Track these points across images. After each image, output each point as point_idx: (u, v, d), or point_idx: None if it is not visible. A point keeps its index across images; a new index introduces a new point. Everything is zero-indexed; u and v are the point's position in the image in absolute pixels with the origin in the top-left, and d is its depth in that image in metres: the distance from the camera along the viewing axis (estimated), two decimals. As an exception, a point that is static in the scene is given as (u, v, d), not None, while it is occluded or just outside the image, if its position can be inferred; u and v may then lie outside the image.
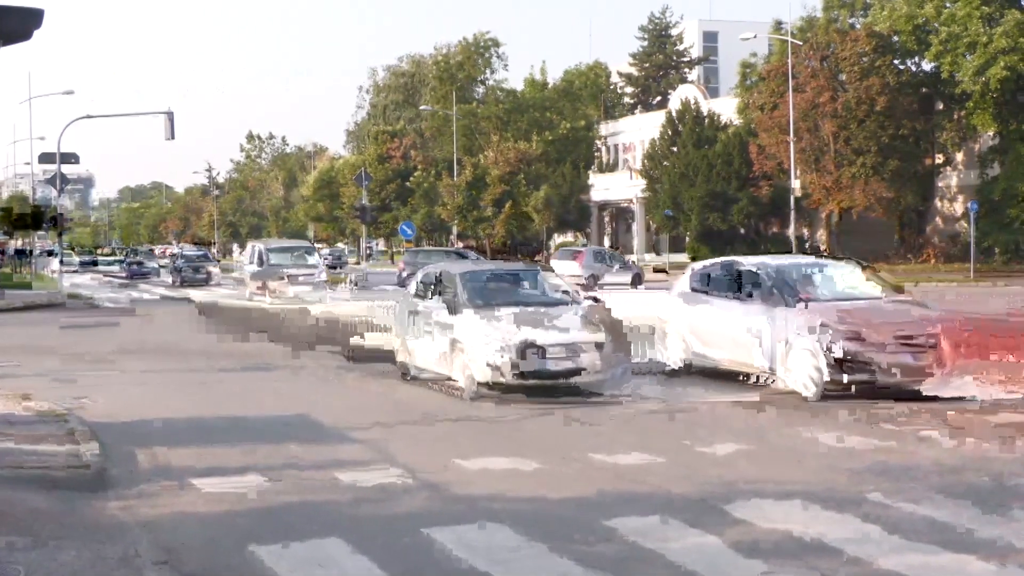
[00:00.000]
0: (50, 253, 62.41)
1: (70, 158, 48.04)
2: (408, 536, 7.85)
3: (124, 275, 64.90)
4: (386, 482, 9.61)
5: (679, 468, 9.93)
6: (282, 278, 35.00)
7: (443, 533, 7.82)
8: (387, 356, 17.42)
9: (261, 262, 36.94)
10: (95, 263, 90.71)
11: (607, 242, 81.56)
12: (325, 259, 63.99)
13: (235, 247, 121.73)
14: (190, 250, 69.87)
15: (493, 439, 11.75)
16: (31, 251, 63.85)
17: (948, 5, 52.05)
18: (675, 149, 64.39)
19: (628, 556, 7.29)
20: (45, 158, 50.10)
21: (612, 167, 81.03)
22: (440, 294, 15.48)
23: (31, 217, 52.76)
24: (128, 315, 32.99)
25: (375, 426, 12.53)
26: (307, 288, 33.04)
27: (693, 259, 62.26)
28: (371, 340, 18.33)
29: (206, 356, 20.56)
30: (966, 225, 51.09)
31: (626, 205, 76.59)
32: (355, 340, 18.92)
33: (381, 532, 8.02)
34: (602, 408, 13.48)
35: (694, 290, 16.38)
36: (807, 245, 60.36)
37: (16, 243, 72.92)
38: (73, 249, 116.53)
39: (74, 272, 71.17)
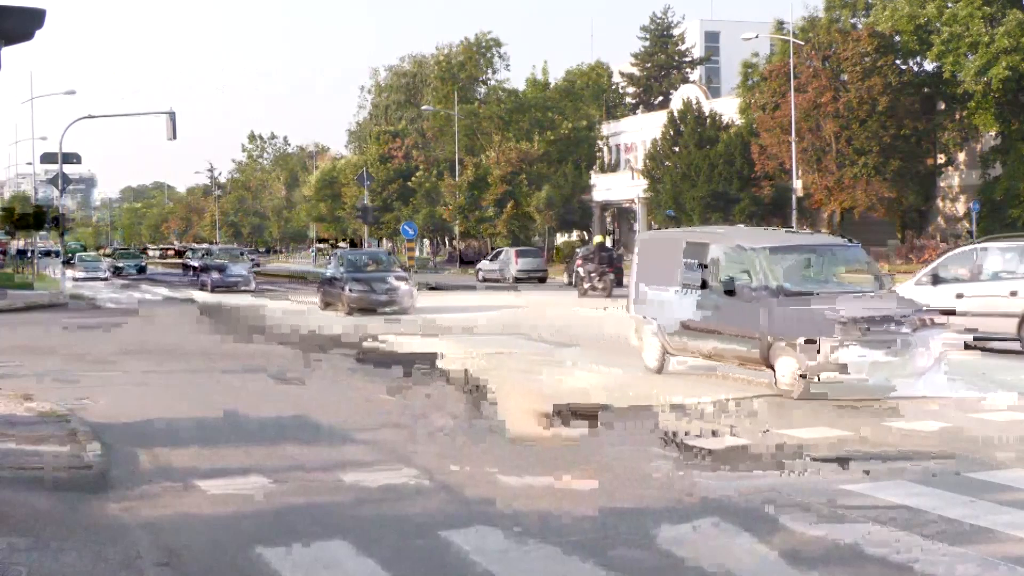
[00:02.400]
0: (57, 254, 58.67)
1: (72, 158, 48.13)
2: (421, 539, 7.78)
3: (199, 286, 47.68)
4: (398, 483, 9.46)
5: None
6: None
7: (458, 536, 7.74)
8: (401, 359, 17.48)
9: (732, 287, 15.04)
10: (142, 269, 72.27)
11: (608, 242, 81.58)
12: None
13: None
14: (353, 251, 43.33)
15: (514, 444, 11.43)
16: (33, 251, 63.79)
17: (950, 5, 52.02)
18: (677, 149, 64.36)
19: (662, 565, 7.20)
20: (47, 158, 50.18)
21: (614, 167, 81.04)
22: None
23: (33, 217, 52.88)
24: (130, 315, 32.97)
25: (385, 427, 12.31)
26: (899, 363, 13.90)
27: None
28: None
29: (209, 357, 20.55)
30: (968, 225, 51.08)
31: (628, 205, 76.57)
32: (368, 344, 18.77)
33: (391, 534, 7.95)
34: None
35: None
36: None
37: (19, 243, 72.72)
38: (114, 252, 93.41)
39: (101, 281, 59.18)
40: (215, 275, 45.51)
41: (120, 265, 71.34)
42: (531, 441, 11.40)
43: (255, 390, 15.93)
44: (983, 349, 18.75)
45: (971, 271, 19.81)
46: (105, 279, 61.09)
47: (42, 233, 60.95)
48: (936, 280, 20.01)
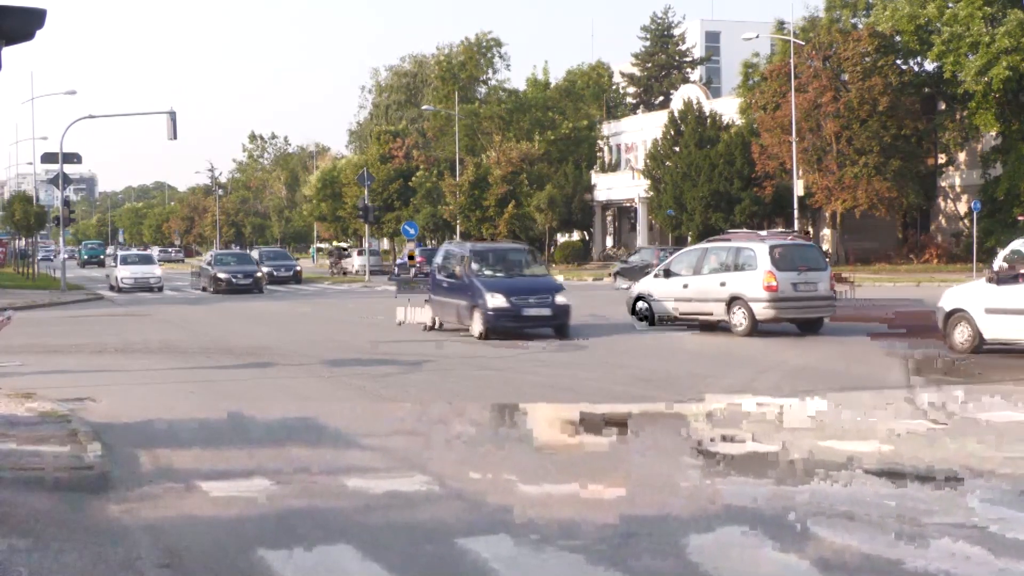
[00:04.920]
0: (74, 254, 50.64)
1: (72, 158, 48.16)
2: (431, 544, 7.67)
3: (455, 316, 24.53)
4: (410, 490, 9.27)
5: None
6: None
7: (474, 543, 7.61)
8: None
9: None
10: (297, 276, 50.31)
11: (610, 242, 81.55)
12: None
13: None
14: None
15: (528, 449, 11.21)
16: (34, 250, 63.77)
17: (950, 5, 51.98)
18: (677, 149, 64.32)
19: (685, 574, 7.08)
20: (48, 158, 50.22)
21: (614, 167, 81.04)
22: None
23: (34, 216, 52.93)
24: (133, 315, 32.92)
25: (394, 432, 12.07)
26: None
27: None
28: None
29: (212, 355, 20.53)
30: (969, 224, 51.06)
31: (629, 205, 76.57)
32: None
33: (400, 540, 7.85)
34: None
35: None
36: (810, 245, 60.40)
37: (20, 242, 72.44)
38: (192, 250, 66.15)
39: (154, 291, 45.84)
40: (497, 300, 22.75)
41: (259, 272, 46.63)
42: (553, 449, 11.17)
43: (259, 389, 15.89)
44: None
45: (695, 266, 24.38)
46: (159, 288, 46.70)
47: (43, 232, 60.78)
48: (668, 274, 24.94)
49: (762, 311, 22.54)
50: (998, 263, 20.16)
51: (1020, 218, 46.21)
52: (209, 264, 47.73)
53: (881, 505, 8.49)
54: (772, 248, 22.98)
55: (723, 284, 23.22)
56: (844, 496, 8.79)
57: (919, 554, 7.25)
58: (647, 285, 25.48)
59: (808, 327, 23.23)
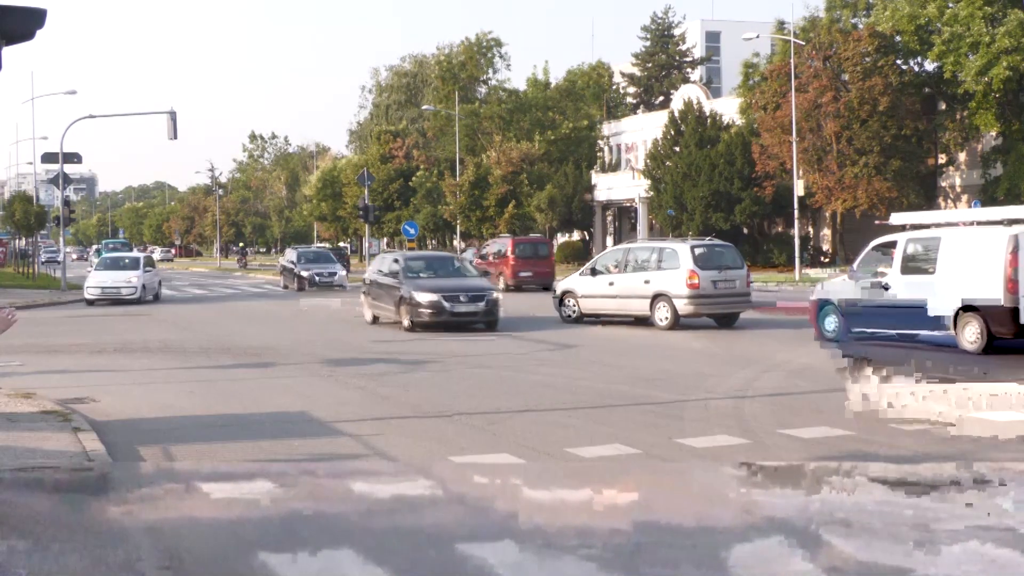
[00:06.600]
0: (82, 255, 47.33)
1: (73, 158, 48.14)
2: (434, 549, 7.60)
3: None
4: (412, 493, 9.21)
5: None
6: None
7: (479, 549, 7.52)
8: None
9: None
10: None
11: (610, 241, 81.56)
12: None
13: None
14: None
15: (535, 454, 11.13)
16: (34, 250, 63.75)
17: (951, 5, 51.98)
18: (677, 149, 64.32)
19: None
20: (48, 158, 50.18)
21: (615, 167, 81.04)
22: None
23: (34, 216, 52.94)
24: (132, 315, 32.89)
25: (395, 433, 12.05)
26: None
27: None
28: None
29: (211, 355, 20.50)
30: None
31: (629, 205, 76.58)
32: None
33: (402, 543, 7.77)
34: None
35: None
36: (810, 245, 60.42)
37: (20, 242, 72.40)
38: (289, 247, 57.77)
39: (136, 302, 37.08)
40: None
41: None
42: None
43: (260, 387, 15.85)
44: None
45: (619, 265, 25.75)
46: (136, 300, 37.03)
47: (43, 232, 60.82)
48: (594, 272, 26.13)
49: (684, 307, 24.12)
50: (858, 264, 21.14)
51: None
52: (293, 263, 49.38)
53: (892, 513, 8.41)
54: (693, 248, 24.76)
55: (647, 282, 24.68)
56: (850, 504, 8.70)
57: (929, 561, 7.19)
58: (572, 283, 26.73)
59: (725, 321, 24.89)
